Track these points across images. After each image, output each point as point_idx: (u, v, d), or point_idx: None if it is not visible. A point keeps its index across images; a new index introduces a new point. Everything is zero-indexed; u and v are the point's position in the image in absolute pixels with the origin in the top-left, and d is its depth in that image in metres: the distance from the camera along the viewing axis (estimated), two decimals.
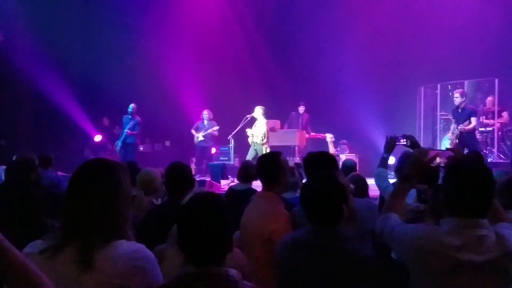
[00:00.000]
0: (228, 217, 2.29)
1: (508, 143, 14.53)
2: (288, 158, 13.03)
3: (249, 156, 13.48)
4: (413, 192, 4.16)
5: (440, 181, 3.22)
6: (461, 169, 2.70)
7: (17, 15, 16.61)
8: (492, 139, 14.13)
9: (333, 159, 4.25)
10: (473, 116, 12.05)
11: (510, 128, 14.59)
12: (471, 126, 11.93)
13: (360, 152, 16.28)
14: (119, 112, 16.23)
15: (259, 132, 13.48)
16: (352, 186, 3.30)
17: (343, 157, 13.90)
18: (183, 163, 4.70)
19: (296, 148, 14.99)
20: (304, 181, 6.42)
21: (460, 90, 12.60)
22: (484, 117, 14.45)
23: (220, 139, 16.03)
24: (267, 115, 13.88)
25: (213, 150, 16.40)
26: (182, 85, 18.47)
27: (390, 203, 3.15)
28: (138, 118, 15.79)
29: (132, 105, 15.77)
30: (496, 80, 14.48)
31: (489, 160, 13.30)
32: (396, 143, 4.64)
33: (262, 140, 13.41)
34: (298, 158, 14.57)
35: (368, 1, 17.65)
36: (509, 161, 12.76)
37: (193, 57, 19.14)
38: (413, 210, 3.52)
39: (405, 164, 3.31)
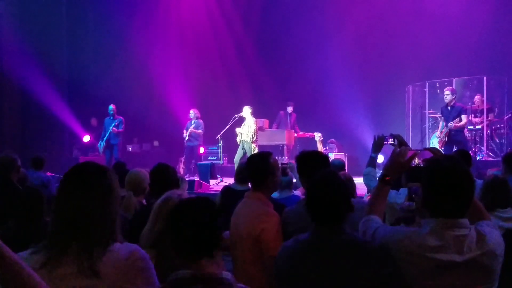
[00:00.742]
0: (213, 219, 2.32)
1: (497, 140, 14.59)
2: (277, 157, 13.06)
3: (238, 156, 13.55)
4: (404, 191, 4.20)
5: None
6: (438, 169, 2.69)
7: (3, 15, 16.54)
8: (481, 137, 14.20)
9: (326, 158, 4.26)
10: (463, 114, 12.09)
11: (498, 125, 14.67)
12: (462, 123, 11.97)
13: (348, 151, 16.34)
14: (108, 112, 16.21)
15: (248, 131, 13.52)
16: None
17: (331, 156, 13.90)
18: (167, 164, 4.71)
19: (285, 147, 15.02)
20: (295, 180, 6.48)
21: (450, 87, 12.63)
22: (472, 115, 14.53)
23: (208, 139, 16.03)
24: (255, 114, 13.91)
25: (202, 150, 16.40)
26: (170, 85, 18.49)
27: (371, 205, 3.13)
28: (120, 117, 15.75)
29: (111, 106, 15.74)
30: (485, 78, 14.54)
31: (478, 158, 13.36)
32: (384, 143, 4.67)
33: (252, 138, 13.44)
34: (287, 157, 14.61)
35: (355, 0, 17.69)
36: (498, 158, 12.85)
37: (181, 57, 19.17)
38: (404, 209, 3.53)
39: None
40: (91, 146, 17.55)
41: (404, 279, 2.66)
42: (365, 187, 5.29)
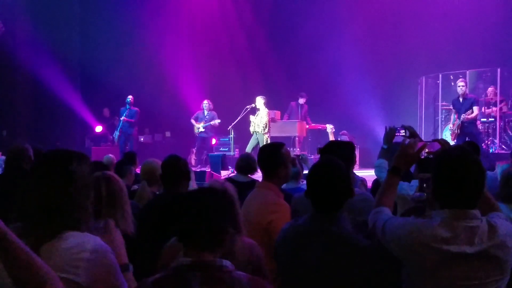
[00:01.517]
0: (222, 210, 2.33)
1: (510, 133, 14.50)
2: (288, 149, 13.04)
3: (250, 146, 13.55)
4: (416, 183, 4.19)
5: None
6: (448, 159, 2.68)
7: (17, 6, 16.63)
8: (494, 130, 14.12)
9: (352, 146, 4.30)
10: (475, 105, 12.04)
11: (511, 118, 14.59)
12: (473, 115, 11.92)
13: (360, 143, 16.28)
14: (120, 103, 16.27)
15: (260, 122, 13.51)
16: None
17: None
18: (178, 156, 4.74)
19: (296, 138, 15.01)
20: (305, 172, 6.48)
21: (463, 79, 12.59)
22: (485, 107, 14.45)
23: (220, 130, 16.05)
24: (267, 105, 13.88)
25: (213, 141, 16.43)
26: (182, 76, 18.52)
27: (380, 197, 3.13)
28: (136, 108, 15.82)
29: (130, 97, 15.82)
30: (498, 70, 14.47)
31: (491, 151, 13.30)
32: (396, 134, 4.67)
33: (264, 130, 13.41)
34: (298, 149, 14.61)
35: None
36: (511, 151, 12.79)
37: (192, 47, 19.19)
38: (415, 199, 3.53)
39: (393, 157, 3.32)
40: (103, 137, 17.65)
41: (392, 280, 2.70)
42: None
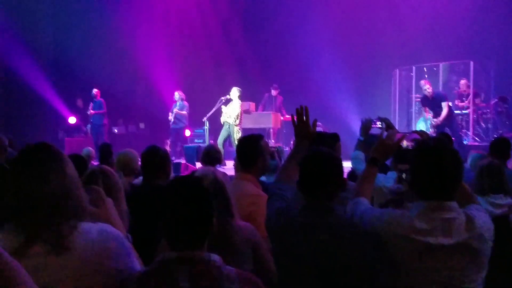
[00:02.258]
0: (206, 200, 2.29)
1: (483, 125, 14.69)
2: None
3: (221, 137, 13.46)
4: (392, 174, 4.21)
5: None
6: (427, 150, 2.69)
7: None
8: (468, 122, 14.28)
9: (337, 138, 4.32)
10: (443, 101, 12.18)
11: (484, 111, 14.76)
12: (444, 115, 12.07)
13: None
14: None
15: (232, 113, 13.39)
16: None
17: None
18: (158, 147, 4.72)
19: (271, 130, 15.00)
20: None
21: (426, 80, 12.81)
22: (458, 100, 14.61)
23: (194, 121, 15.98)
24: (241, 97, 13.83)
25: (188, 133, 16.36)
26: (156, 66, 18.39)
27: (359, 188, 3.13)
28: (100, 99, 15.84)
29: (94, 90, 15.90)
30: (471, 63, 14.61)
31: (464, 142, 13.45)
32: (372, 126, 4.70)
33: (235, 121, 13.33)
34: (273, 141, 14.61)
35: None
36: (484, 143, 12.93)
37: (167, 37, 19.07)
38: (393, 192, 3.53)
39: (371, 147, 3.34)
40: (76, 128, 17.49)
41: (392, 263, 2.67)
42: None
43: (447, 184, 2.65)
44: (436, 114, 12.38)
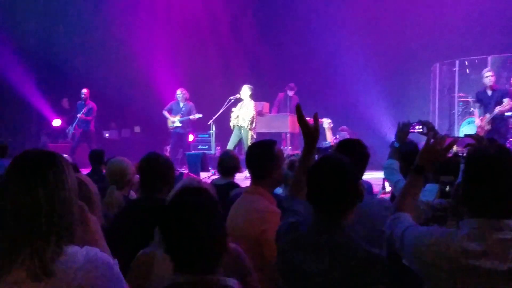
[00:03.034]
0: (219, 214, 2.27)
1: None
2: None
3: (231, 143, 13.36)
4: (432, 187, 4.14)
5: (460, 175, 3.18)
6: (483, 159, 2.61)
7: None
8: None
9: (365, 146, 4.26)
10: (506, 97, 12.02)
11: None
12: (507, 106, 11.87)
13: (364, 141, 16.20)
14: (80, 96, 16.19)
15: (246, 115, 13.30)
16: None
17: None
18: (158, 153, 4.67)
19: (288, 135, 14.94)
20: None
21: (490, 69, 12.59)
22: (510, 99, 14.46)
23: (199, 125, 15.95)
24: (254, 96, 13.73)
25: (191, 138, 16.32)
26: (154, 63, 18.42)
27: (400, 201, 3.09)
28: (91, 103, 15.84)
29: (84, 91, 15.83)
30: None
31: None
32: (410, 130, 4.64)
33: (250, 125, 13.24)
34: (290, 147, 14.55)
35: None
36: None
37: (168, 31, 19.13)
38: (434, 207, 3.47)
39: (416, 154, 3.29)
40: (61, 132, 17.54)
41: None
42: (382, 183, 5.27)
43: (506, 199, 2.57)
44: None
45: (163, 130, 16.44)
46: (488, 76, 12.16)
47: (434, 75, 16.60)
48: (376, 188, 7.39)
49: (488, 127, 11.92)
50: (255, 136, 13.25)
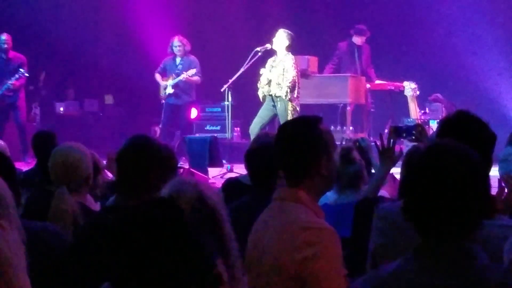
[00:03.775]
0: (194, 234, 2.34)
1: None
2: (332, 127, 12.97)
3: (259, 120, 13.42)
4: None
5: None
6: None
7: None
8: None
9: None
10: None
11: None
12: None
13: None
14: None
15: (282, 79, 13.21)
16: None
17: (434, 126, 13.76)
18: (147, 136, 4.69)
19: (348, 108, 14.91)
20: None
21: None
22: None
23: (206, 93, 16.00)
24: (294, 48, 13.70)
25: (194, 113, 16.32)
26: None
27: None
28: (19, 57, 15.89)
29: (2, 37, 15.71)
30: None
31: None
32: None
33: (288, 93, 13.16)
34: (351, 128, 14.53)
35: None
36: None
37: None
38: None
39: None
40: None
41: None
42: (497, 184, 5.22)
43: None
44: None
45: (149, 101, 16.51)
46: None
47: None
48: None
49: None
50: (298, 110, 13.16)
